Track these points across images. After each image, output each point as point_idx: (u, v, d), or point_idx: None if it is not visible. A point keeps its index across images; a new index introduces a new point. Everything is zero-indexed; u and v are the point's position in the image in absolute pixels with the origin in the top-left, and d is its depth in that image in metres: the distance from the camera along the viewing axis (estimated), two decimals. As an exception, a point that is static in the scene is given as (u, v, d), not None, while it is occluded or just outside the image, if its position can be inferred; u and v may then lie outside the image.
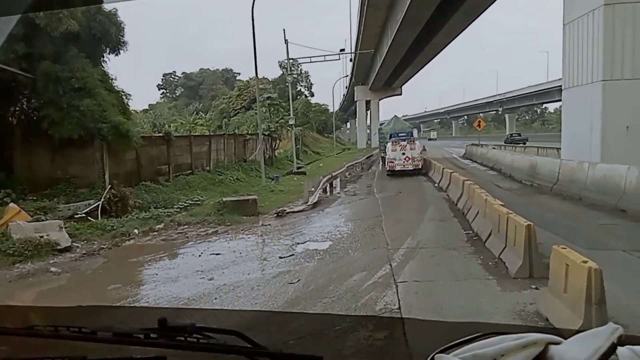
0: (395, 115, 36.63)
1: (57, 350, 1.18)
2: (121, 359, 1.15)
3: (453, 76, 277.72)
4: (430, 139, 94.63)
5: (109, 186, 14.68)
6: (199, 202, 14.24)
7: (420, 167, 25.06)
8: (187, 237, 11.30)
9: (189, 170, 20.71)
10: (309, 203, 15.08)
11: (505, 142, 50.61)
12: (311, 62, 28.21)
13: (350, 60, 61.83)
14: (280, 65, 67.54)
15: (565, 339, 0.67)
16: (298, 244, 10.04)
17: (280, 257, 8.92)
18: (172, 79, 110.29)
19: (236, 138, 27.94)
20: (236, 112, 65.45)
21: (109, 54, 16.88)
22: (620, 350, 0.60)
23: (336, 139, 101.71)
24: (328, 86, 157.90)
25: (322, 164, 37.48)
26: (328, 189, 20.90)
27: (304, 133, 53.32)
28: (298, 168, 28.61)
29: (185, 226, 12.35)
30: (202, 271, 8.34)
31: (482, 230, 9.69)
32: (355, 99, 70.37)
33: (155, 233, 11.82)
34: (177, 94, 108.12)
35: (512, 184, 19.96)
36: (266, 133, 33.49)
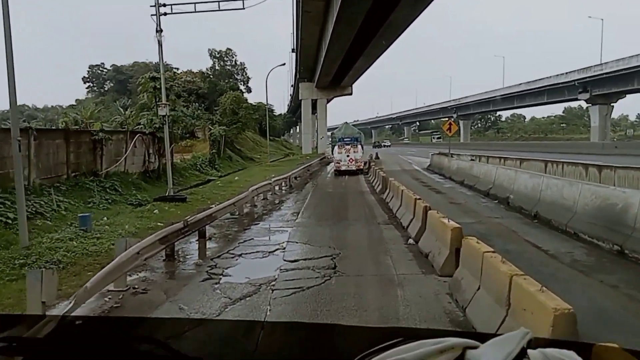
0: (345, 122, 39.16)
1: None
2: None
3: (405, 81, 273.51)
4: (383, 146, 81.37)
5: None
6: None
7: (362, 167, 27.00)
8: None
9: None
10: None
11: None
12: (196, 11, 17.17)
13: (293, 50, 50.88)
14: (210, 54, 55.70)
15: (483, 343, 0.67)
16: None
17: None
18: (100, 72, 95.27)
19: (71, 136, 16.02)
20: (159, 106, 53.63)
21: None
22: (531, 352, 0.63)
23: (282, 143, 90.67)
24: (277, 87, 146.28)
25: (238, 177, 26.10)
26: (189, 248, 9.80)
27: (232, 134, 41.77)
28: (176, 193, 16.61)
29: None
30: None
31: None
32: (300, 98, 59.34)
33: None
34: (106, 89, 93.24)
35: (565, 243, 9.42)
36: (146, 131, 21.82)
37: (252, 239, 10.51)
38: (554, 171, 18.24)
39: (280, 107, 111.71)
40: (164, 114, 15.61)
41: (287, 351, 1.43)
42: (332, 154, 30.89)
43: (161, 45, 15.32)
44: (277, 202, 16.77)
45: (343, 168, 26.68)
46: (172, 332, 1.49)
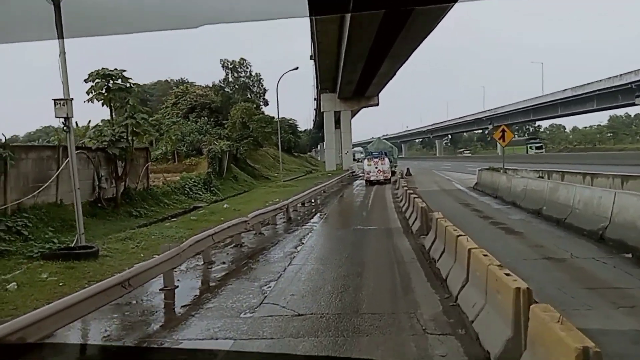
0: (378, 137, 43.70)
1: None
2: None
3: (436, 94, 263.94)
4: None
5: None
6: None
7: (389, 177, 30.19)
8: None
9: None
10: None
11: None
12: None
13: (311, 57, 44.93)
14: (223, 65, 50.43)
15: None
16: None
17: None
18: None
19: None
20: (172, 123, 48.99)
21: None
22: None
23: (307, 159, 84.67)
24: (302, 103, 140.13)
25: (229, 204, 19.85)
26: None
27: (243, 150, 35.92)
28: (86, 244, 10.04)
29: None
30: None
31: None
32: (322, 110, 53.23)
33: None
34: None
35: None
36: (92, 146, 15.91)
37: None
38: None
39: (307, 123, 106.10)
40: (64, 115, 9.52)
41: None
42: (363, 167, 33.83)
43: (59, 7, 9.40)
44: (253, 252, 10.33)
45: (372, 178, 30.00)
46: None
